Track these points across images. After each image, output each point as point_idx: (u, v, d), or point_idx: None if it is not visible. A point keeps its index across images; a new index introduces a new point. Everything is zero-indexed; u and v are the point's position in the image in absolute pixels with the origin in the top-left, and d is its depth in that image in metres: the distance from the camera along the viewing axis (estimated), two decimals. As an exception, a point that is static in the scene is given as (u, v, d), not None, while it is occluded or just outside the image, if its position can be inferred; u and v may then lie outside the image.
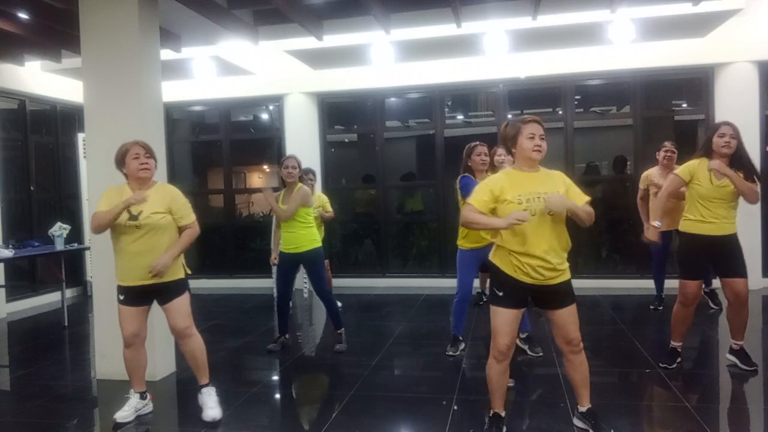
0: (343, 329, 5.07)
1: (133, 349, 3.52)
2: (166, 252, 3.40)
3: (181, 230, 3.52)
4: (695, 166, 3.97)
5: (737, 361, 4.11)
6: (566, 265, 2.97)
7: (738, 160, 3.91)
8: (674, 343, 4.21)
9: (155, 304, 3.57)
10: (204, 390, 3.58)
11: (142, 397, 3.65)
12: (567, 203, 2.86)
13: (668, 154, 5.72)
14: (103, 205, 3.38)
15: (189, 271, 3.62)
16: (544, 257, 2.85)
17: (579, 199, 2.94)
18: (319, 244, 4.93)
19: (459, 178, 4.54)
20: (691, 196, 4.00)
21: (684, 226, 4.05)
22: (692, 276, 4.01)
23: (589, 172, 8.28)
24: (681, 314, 4.12)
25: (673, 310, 4.17)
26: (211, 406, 3.52)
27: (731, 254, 3.94)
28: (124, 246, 3.40)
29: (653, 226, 4.36)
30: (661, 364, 4.23)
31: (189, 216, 3.53)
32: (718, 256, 3.94)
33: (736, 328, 4.11)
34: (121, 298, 3.48)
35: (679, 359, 4.23)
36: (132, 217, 3.35)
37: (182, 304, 3.49)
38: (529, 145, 2.89)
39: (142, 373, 3.66)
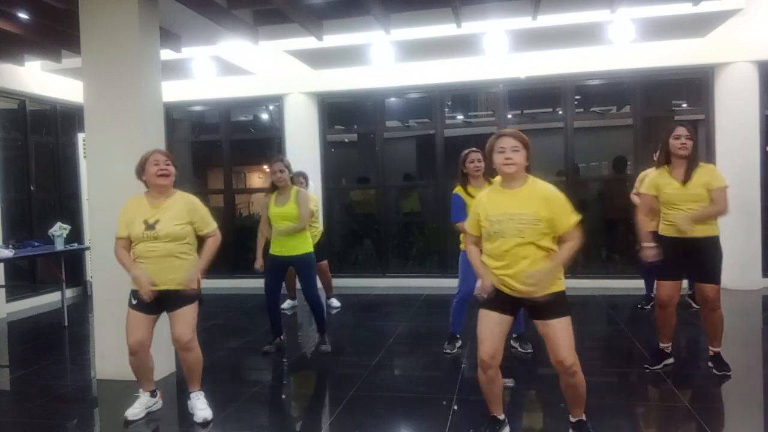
0: (326, 334, 5.08)
1: (138, 357, 3.51)
2: (194, 266, 3.48)
3: (201, 238, 3.54)
4: (657, 178, 3.98)
5: (712, 366, 4.10)
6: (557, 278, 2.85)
7: (693, 160, 3.87)
8: (662, 344, 4.23)
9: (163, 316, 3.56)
10: (193, 395, 3.61)
11: (152, 395, 3.69)
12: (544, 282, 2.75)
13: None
14: (122, 228, 3.45)
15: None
16: (519, 274, 2.77)
17: (565, 222, 2.77)
18: (311, 249, 4.94)
19: (452, 194, 4.60)
20: (662, 203, 3.98)
21: (661, 230, 4.06)
22: (665, 276, 4.00)
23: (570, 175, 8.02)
24: (660, 315, 4.13)
25: (655, 312, 4.20)
26: (201, 407, 3.55)
27: (703, 258, 3.90)
28: (141, 252, 3.41)
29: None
30: (645, 365, 4.23)
31: (210, 224, 3.56)
32: (691, 259, 3.90)
33: (709, 334, 4.10)
34: (134, 302, 3.46)
35: (668, 360, 4.21)
36: (149, 227, 3.36)
37: (189, 313, 3.47)
38: (500, 160, 2.83)
39: (150, 374, 3.67)
